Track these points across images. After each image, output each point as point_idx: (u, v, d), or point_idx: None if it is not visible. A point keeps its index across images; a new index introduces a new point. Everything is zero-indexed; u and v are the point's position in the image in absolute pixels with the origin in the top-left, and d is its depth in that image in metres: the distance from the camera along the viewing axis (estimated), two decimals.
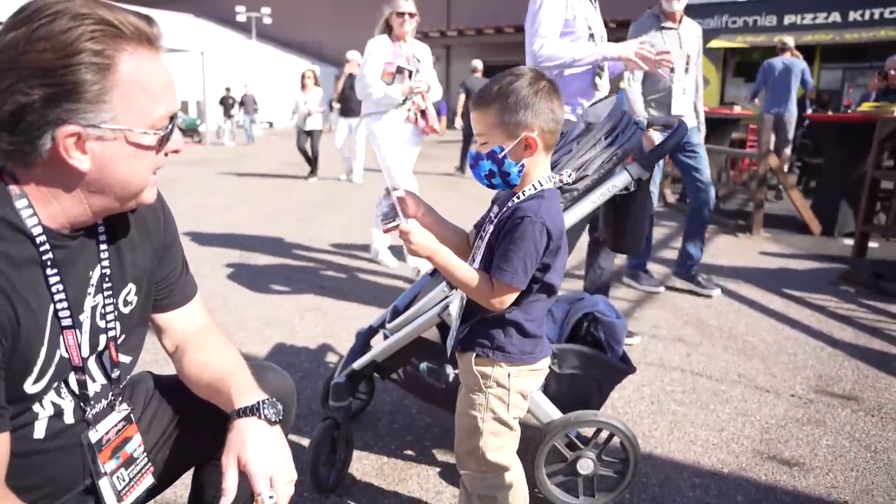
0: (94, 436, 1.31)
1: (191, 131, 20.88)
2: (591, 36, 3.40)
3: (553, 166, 2.17)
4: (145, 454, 1.43)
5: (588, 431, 2.23)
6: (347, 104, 10.54)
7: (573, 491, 2.21)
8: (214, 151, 17.44)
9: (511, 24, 28.80)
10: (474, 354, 1.73)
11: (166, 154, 1.26)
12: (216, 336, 1.57)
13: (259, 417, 1.36)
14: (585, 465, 2.16)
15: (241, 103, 21.03)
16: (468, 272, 1.63)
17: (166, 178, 7.34)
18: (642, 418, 2.93)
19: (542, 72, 1.67)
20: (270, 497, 1.28)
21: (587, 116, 2.29)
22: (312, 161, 11.64)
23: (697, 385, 3.28)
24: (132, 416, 1.42)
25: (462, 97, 12.56)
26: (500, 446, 1.77)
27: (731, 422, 2.91)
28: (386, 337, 2.45)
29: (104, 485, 1.32)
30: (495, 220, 1.66)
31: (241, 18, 33.78)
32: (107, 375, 1.35)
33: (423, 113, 5.02)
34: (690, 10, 15.56)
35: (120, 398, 1.40)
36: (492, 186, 1.68)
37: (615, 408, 2.98)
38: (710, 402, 3.09)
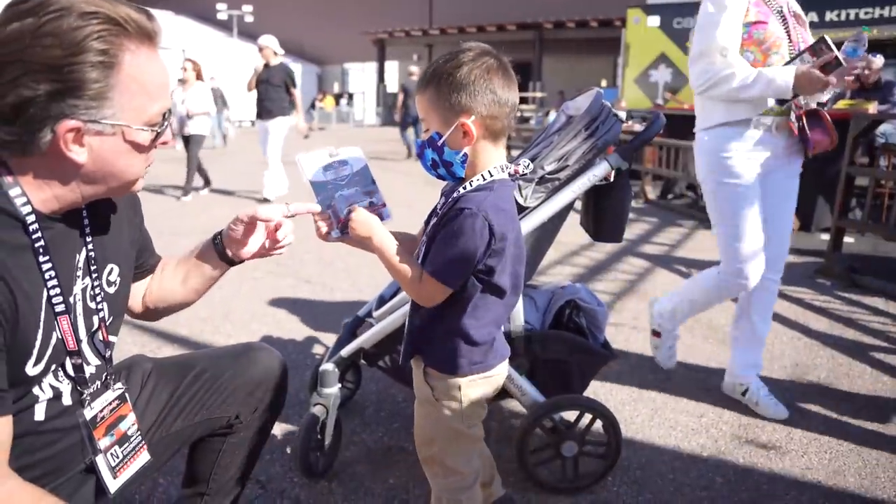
0: (88, 413, 1.34)
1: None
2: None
3: (534, 159, 2.22)
4: (139, 433, 1.46)
5: (571, 416, 2.28)
6: (262, 104, 8.45)
7: (558, 473, 2.27)
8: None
9: (493, 22, 28.90)
10: (423, 364, 1.66)
11: (156, 146, 1.30)
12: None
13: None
14: (569, 448, 2.21)
15: None
16: (402, 262, 1.51)
17: (148, 176, 7.25)
18: (624, 405, 2.99)
19: (490, 49, 1.51)
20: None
21: (568, 109, 2.34)
22: (201, 172, 9.40)
23: (678, 374, 3.35)
24: (126, 395, 1.45)
25: (401, 95, 14.75)
26: (458, 452, 1.72)
27: (711, 409, 2.98)
28: (372, 326, 2.49)
29: (100, 461, 1.36)
30: (439, 213, 1.56)
31: (222, 16, 33.62)
32: (100, 356, 1.38)
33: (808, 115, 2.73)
34: (672, 9, 15.44)
35: (114, 377, 1.43)
36: (439, 177, 1.57)
37: (597, 395, 3.04)
38: (690, 391, 3.16)
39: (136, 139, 1.21)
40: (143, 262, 1.60)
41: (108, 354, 1.40)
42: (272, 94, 8.36)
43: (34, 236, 1.19)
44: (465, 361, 1.60)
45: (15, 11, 1.10)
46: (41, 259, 1.20)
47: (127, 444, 1.43)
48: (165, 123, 1.26)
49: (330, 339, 3.70)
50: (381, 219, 1.56)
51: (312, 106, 31.92)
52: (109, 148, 1.18)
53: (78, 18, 1.09)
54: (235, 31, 33.89)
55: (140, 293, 1.62)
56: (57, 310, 1.24)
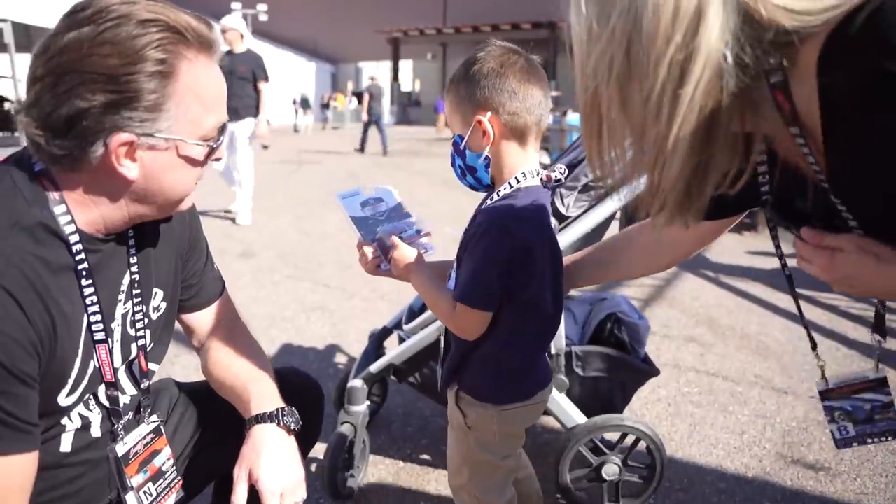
0: (121, 449, 1.26)
1: None
2: None
3: (574, 164, 2.08)
4: (174, 468, 1.37)
5: (613, 436, 2.16)
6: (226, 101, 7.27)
7: (597, 497, 2.15)
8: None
9: (508, 21, 28.80)
10: (456, 390, 1.53)
11: (209, 162, 1.23)
12: (242, 337, 1.51)
13: (278, 425, 1.31)
14: (611, 471, 2.09)
15: None
16: (438, 296, 1.41)
17: None
18: (661, 420, 2.86)
19: (513, 47, 1.41)
20: None
21: None
22: None
23: (714, 386, 3.22)
24: (161, 428, 1.35)
25: (367, 96, 16.79)
26: (490, 483, 1.59)
27: (752, 424, 2.85)
28: (401, 339, 2.38)
29: (130, 499, 1.26)
30: (472, 221, 1.44)
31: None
32: (136, 385, 1.29)
33: None
34: None
35: (149, 409, 1.35)
36: (471, 187, 1.46)
37: (632, 410, 2.92)
38: (728, 404, 3.03)
39: (189, 154, 1.14)
40: (191, 296, 1.46)
41: (144, 385, 1.31)
42: (238, 88, 6.58)
43: (77, 258, 1.11)
44: (502, 389, 1.48)
45: (74, 20, 1.03)
46: (83, 283, 1.12)
47: (162, 480, 1.33)
48: (221, 138, 1.19)
49: (351, 346, 3.59)
50: (425, 251, 1.49)
51: (326, 106, 31.91)
52: (162, 163, 1.12)
53: (137, 26, 1.02)
54: (250, 31, 33.98)
55: (199, 332, 1.51)
56: (96, 338, 1.16)
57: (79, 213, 1.11)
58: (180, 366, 3.23)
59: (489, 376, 1.48)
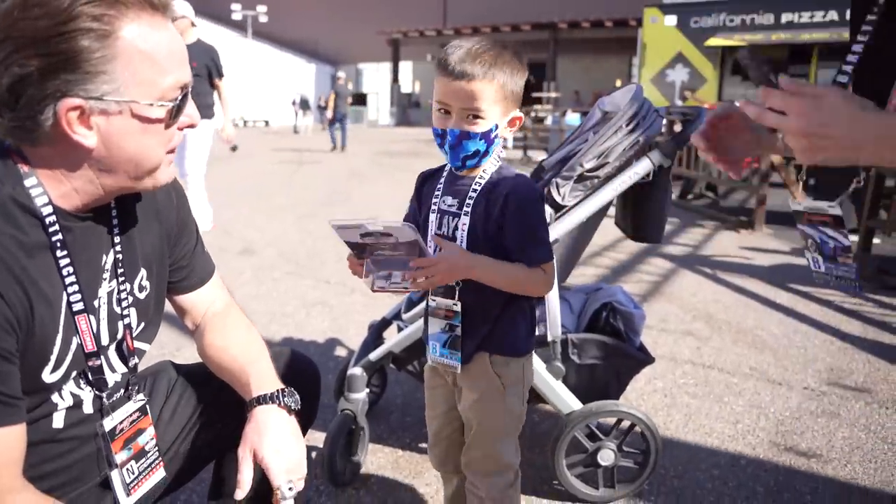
0: (108, 423, 1.26)
1: None
2: None
3: (569, 157, 2.14)
4: (157, 448, 1.37)
5: (608, 422, 2.20)
6: None
7: (593, 482, 2.19)
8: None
9: (508, 22, 28.83)
10: (488, 356, 1.58)
11: (181, 129, 1.20)
12: (237, 319, 1.53)
13: (279, 405, 1.34)
14: (606, 456, 2.13)
15: None
16: (516, 270, 1.47)
17: None
18: (657, 411, 2.90)
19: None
20: (290, 489, 1.26)
21: (604, 105, 2.26)
22: None
23: (710, 378, 3.26)
24: (147, 407, 1.37)
25: (333, 96, 17.77)
26: (514, 440, 1.68)
27: (746, 414, 2.89)
28: (400, 328, 2.42)
29: (115, 476, 1.28)
30: (473, 202, 1.50)
31: (236, 17, 33.75)
32: (125, 364, 1.31)
33: None
34: (689, 8, 15.46)
35: (137, 387, 1.35)
36: (461, 167, 1.52)
37: (629, 400, 2.95)
38: (723, 395, 3.07)
39: (147, 115, 1.10)
40: (182, 277, 1.47)
41: (132, 363, 1.33)
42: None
43: (51, 230, 1.11)
44: (529, 338, 1.62)
45: None
46: (59, 255, 1.12)
47: (144, 459, 1.34)
48: (182, 99, 1.15)
49: (351, 340, 3.63)
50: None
51: (324, 108, 31.93)
52: (119, 128, 1.09)
53: None
54: (250, 32, 34.01)
55: (193, 313, 1.52)
56: (75, 308, 1.16)
57: (51, 188, 1.11)
58: (182, 358, 3.25)
59: (521, 329, 1.60)
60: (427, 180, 1.65)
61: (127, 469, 1.29)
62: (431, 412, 1.79)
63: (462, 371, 1.59)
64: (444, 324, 1.58)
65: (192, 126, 1.22)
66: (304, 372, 1.60)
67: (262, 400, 1.34)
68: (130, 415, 1.31)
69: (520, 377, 1.63)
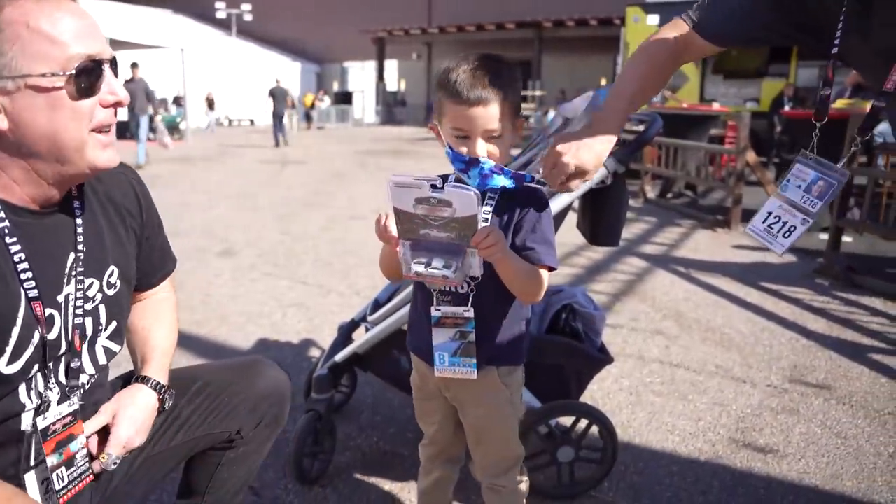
0: (41, 422, 1.23)
1: (172, 128, 20.66)
2: None
3: (529, 163, 2.20)
4: (87, 460, 1.32)
5: (567, 421, 2.27)
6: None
7: (553, 479, 2.25)
8: (195, 149, 17.31)
9: (492, 21, 28.87)
10: (496, 368, 1.62)
11: (107, 106, 1.18)
12: (168, 313, 1.62)
13: (159, 397, 1.44)
14: (565, 453, 2.20)
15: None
16: (527, 266, 1.47)
17: (147, 175, 7.09)
18: (621, 409, 2.97)
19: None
20: (115, 463, 1.33)
21: (564, 111, 2.32)
22: None
23: (676, 376, 3.34)
24: (78, 413, 1.32)
25: (271, 99, 19.03)
26: (517, 434, 1.77)
27: (708, 412, 2.96)
28: (367, 330, 2.47)
29: (30, 478, 1.23)
30: (495, 202, 1.50)
31: (220, 15, 33.54)
32: (95, 364, 1.34)
33: None
34: (671, 7, 15.60)
35: (78, 392, 1.32)
36: (482, 188, 1.48)
37: (594, 399, 3.03)
38: (687, 393, 3.15)
39: (44, 86, 1.09)
40: (141, 276, 1.51)
41: (102, 363, 1.36)
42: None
43: None
44: (524, 345, 1.68)
45: None
46: (8, 241, 1.14)
47: (74, 468, 1.28)
48: (92, 69, 1.13)
49: (326, 341, 3.68)
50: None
51: (312, 106, 31.75)
52: (24, 106, 1.09)
53: None
54: (234, 30, 33.82)
55: (144, 296, 1.59)
56: (30, 295, 1.16)
57: None
58: None
59: (519, 337, 1.65)
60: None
61: (57, 475, 1.25)
62: (428, 419, 1.81)
63: (467, 384, 1.60)
64: (453, 332, 1.54)
65: (119, 104, 1.19)
66: (275, 379, 1.64)
67: (147, 381, 1.44)
68: (64, 417, 1.27)
69: (521, 381, 1.72)
